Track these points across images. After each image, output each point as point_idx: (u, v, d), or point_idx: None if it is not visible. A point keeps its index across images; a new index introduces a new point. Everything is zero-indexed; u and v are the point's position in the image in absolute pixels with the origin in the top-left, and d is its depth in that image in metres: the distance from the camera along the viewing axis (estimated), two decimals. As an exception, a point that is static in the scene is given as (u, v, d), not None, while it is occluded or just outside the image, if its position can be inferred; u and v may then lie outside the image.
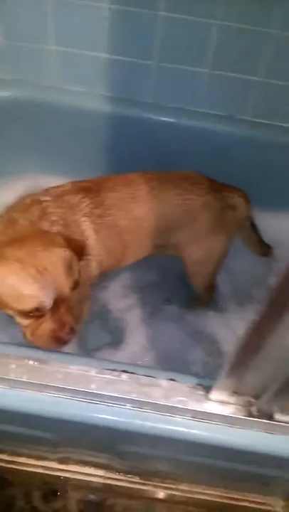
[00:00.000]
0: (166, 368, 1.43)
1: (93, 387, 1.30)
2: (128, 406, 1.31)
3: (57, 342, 1.36)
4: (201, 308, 2.32)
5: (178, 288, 2.41)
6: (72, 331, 1.36)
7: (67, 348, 1.94)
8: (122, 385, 1.32)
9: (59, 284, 1.34)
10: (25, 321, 1.37)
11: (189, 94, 2.27)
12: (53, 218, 1.60)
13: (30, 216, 1.57)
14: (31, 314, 1.34)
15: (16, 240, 1.44)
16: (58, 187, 1.75)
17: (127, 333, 2.26)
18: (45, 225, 1.56)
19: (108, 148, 2.42)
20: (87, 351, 2.12)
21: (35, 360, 1.32)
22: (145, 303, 2.35)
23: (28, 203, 1.63)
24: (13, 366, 1.30)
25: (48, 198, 1.65)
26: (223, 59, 2.13)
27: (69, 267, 1.39)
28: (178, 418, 1.31)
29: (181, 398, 1.31)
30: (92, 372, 1.32)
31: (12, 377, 1.28)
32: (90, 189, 1.73)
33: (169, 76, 2.21)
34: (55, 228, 1.57)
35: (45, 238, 1.45)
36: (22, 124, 2.36)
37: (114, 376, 1.33)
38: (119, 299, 2.35)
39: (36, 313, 1.34)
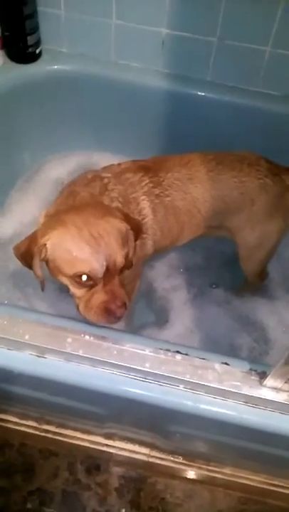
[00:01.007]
0: (211, 350, 1.41)
1: (147, 366, 1.30)
2: (181, 387, 1.30)
3: (108, 315, 1.33)
4: (248, 294, 2.29)
5: (224, 272, 2.39)
6: (124, 305, 1.33)
7: (113, 325, 1.97)
8: (176, 365, 1.32)
9: (112, 252, 1.32)
10: (78, 292, 1.36)
11: (248, 73, 2.22)
12: (113, 195, 1.59)
13: (91, 190, 1.58)
14: (84, 283, 1.33)
15: (75, 208, 1.45)
16: (118, 165, 1.73)
17: (172, 313, 2.25)
18: (105, 200, 1.56)
19: (162, 127, 2.40)
20: (133, 329, 2.13)
21: (91, 335, 1.33)
22: (191, 284, 2.33)
23: (89, 178, 1.63)
24: (69, 340, 1.31)
25: (108, 175, 1.65)
26: (286, 38, 2.06)
27: (124, 240, 1.38)
28: (230, 402, 1.30)
29: (235, 383, 1.30)
30: (147, 351, 1.33)
31: (68, 350, 1.30)
32: (149, 168, 1.71)
33: (229, 54, 2.16)
34: (114, 204, 1.56)
35: (104, 209, 1.44)
36: (79, 98, 2.36)
37: (169, 356, 1.33)
38: (165, 279, 2.34)
39: (88, 282, 1.33)
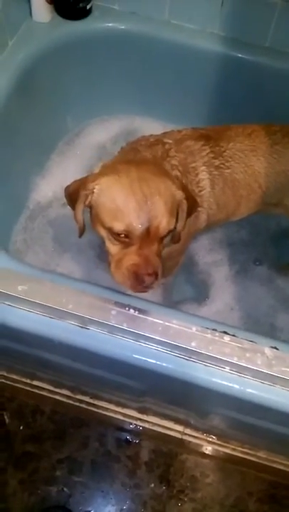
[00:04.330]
0: (251, 330, 1.34)
1: (193, 345, 1.24)
2: (227, 369, 1.25)
3: (135, 280, 1.23)
4: (293, 274, 2.20)
5: (269, 249, 2.29)
6: (154, 275, 1.23)
7: (152, 298, 1.91)
8: (223, 346, 1.25)
9: (159, 215, 1.23)
10: (112, 248, 1.28)
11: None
12: (174, 162, 1.51)
13: (153, 152, 1.50)
14: (120, 238, 1.25)
15: (134, 162, 1.37)
16: (178, 131, 1.65)
17: (213, 289, 2.18)
18: (166, 167, 1.48)
19: (213, 94, 2.27)
20: (171, 303, 2.07)
21: (136, 309, 1.27)
22: (233, 260, 2.25)
23: (152, 141, 1.56)
24: (113, 312, 1.26)
25: (170, 141, 1.56)
26: None
27: (175, 207, 1.30)
28: (279, 388, 1.24)
29: (286, 369, 1.23)
30: (193, 330, 1.26)
31: (112, 323, 1.24)
32: (210, 137, 1.62)
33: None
34: (173, 173, 1.48)
35: (163, 171, 1.37)
36: (127, 59, 2.25)
37: (216, 336, 1.26)
38: (207, 253, 2.26)
39: (125, 239, 1.24)
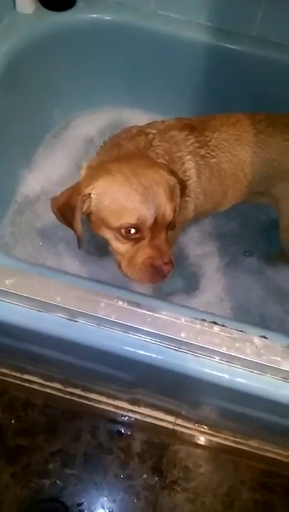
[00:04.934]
0: (241, 320, 1.34)
1: (183, 336, 1.24)
2: (217, 359, 1.25)
3: (154, 272, 1.25)
4: (282, 264, 2.20)
5: (259, 240, 2.30)
6: (171, 263, 1.25)
7: (141, 290, 1.91)
8: (213, 336, 1.25)
9: (162, 203, 1.24)
10: (122, 247, 1.28)
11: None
12: (158, 151, 1.50)
13: (136, 144, 1.49)
14: (130, 235, 1.25)
15: (121, 158, 1.37)
16: (162, 122, 1.64)
17: (203, 280, 2.18)
18: (151, 155, 1.47)
19: (201, 84, 2.26)
20: (162, 295, 2.07)
21: (125, 301, 1.27)
22: (223, 252, 2.25)
23: (134, 132, 1.55)
24: (102, 305, 1.25)
25: (153, 131, 1.55)
26: None
27: (172, 193, 1.30)
28: (269, 377, 1.24)
29: (275, 358, 1.23)
30: (182, 320, 1.26)
31: (101, 315, 1.24)
32: (194, 127, 1.61)
33: (277, 8, 1.98)
34: (159, 161, 1.47)
35: (152, 160, 1.37)
36: (113, 51, 2.23)
37: (205, 327, 1.26)
38: (197, 245, 2.26)
39: (135, 235, 1.25)
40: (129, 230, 1.24)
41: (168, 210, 1.25)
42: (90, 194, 1.26)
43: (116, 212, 1.24)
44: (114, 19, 2.13)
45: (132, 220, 1.22)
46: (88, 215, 1.31)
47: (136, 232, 1.24)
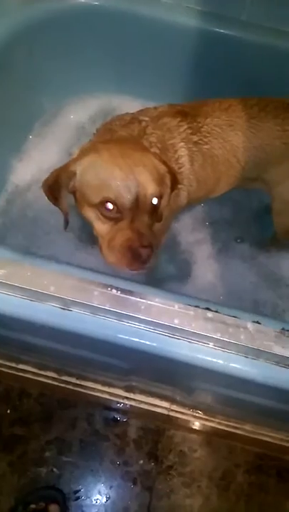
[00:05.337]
0: (234, 306, 1.35)
1: (176, 323, 1.24)
2: (211, 345, 1.25)
3: (132, 256, 1.21)
4: (275, 250, 2.21)
5: (251, 226, 2.30)
6: (150, 247, 1.21)
7: (134, 278, 1.91)
8: (206, 322, 1.25)
9: (145, 183, 1.22)
10: (102, 228, 1.26)
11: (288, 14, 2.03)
12: (152, 139, 1.50)
13: (129, 131, 1.49)
14: (109, 215, 1.23)
15: (113, 141, 1.36)
16: (154, 108, 1.63)
17: (195, 267, 2.18)
18: (144, 144, 1.46)
19: (191, 70, 2.24)
20: (155, 283, 2.07)
21: (118, 289, 1.26)
22: (216, 238, 2.25)
23: (127, 119, 1.54)
24: (96, 293, 1.25)
25: (146, 119, 1.54)
26: None
27: (160, 179, 1.29)
28: (262, 362, 1.25)
29: (268, 342, 1.24)
30: (175, 307, 1.26)
31: (94, 304, 1.23)
32: (186, 113, 1.60)
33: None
34: (152, 150, 1.46)
35: (144, 147, 1.36)
36: (102, 37, 2.21)
37: (199, 313, 1.27)
38: (190, 232, 2.26)
39: (114, 215, 1.23)
40: (109, 208, 1.22)
41: (151, 190, 1.23)
42: (75, 172, 1.26)
43: (97, 187, 1.22)
44: (102, 4, 2.11)
45: (111, 195, 1.20)
46: (74, 194, 1.31)
47: (116, 211, 1.22)
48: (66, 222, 1.37)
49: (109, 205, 1.22)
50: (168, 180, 1.34)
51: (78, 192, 1.28)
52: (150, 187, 1.23)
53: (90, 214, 1.27)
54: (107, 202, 1.21)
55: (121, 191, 1.20)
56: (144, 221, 1.23)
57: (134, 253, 1.20)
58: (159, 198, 1.28)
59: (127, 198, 1.20)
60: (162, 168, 1.31)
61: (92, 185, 1.24)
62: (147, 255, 1.21)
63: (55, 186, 1.29)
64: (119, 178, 1.20)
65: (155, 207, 1.27)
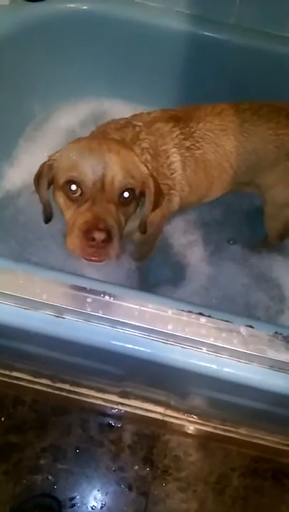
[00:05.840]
0: (227, 309, 1.35)
1: (170, 328, 1.24)
2: (204, 350, 1.25)
3: (86, 238, 1.17)
4: (266, 251, 2.21)
5: (243, 228, 2.31)
6: (106, 231, 1.16)
7: (128, 282, 1.90)
8: (199, 328, 1.25)
9: (115, 169, 1.21)
10: (67, 212, 1.25)
11: (277, 17, 2.05)
12: (144, 145, 1.51)
13: (123, 135, 1.50)
14: (73, 195, 1.22)
15: (102, 138, 1.39)
16: (148, 113, 1.64)
17: (188, 270, 2.19)
18: (136, 150, 1.46)
19: (181, 73, 2.25)
20: (148, 287, 2.07)
21: (111, 295, 1.26)
22: (208, 241, 2.26)
23: (122, 123, 1.55)
24: (89, 300, 1.24)
25: (140, 124, 1.55)
26: None
27: (136, 176, 1.29)
28: (256, 366, 1.25)
29: (261, 346, 1.24)
30: (169, 313, 1.26)
31: (88, 311, 1.23)
32: (179, 118, 1.61)
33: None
34: (144, 157, 1.48)
35: (130, 147, 1.38)
36: (92, 41, 2.22)
37: (192, 318, 1.26)
38: (182, 234, 2.27)
39: (78, 196, 1.22)
40: (72, 189, 1.22)
41: (119, 178, 1.22)
42: (54, 158, 1.28)
43: (66, 168, 1.24)
44: (91, 8, 2.11)
45: (75, 173, 1.20)
46: (54, 184, 1.32)
47: (79, 193, 1.22)
48: (46, 216, 1.38)
49: (73, 186, 1.22)
50: (151, 185, 1.33)
51: (54, 179, 1.30)
52: (119, 173, 1.22)
53: (59, 199, 1.28)
54: (71, 182, 1.22)
55: (84, 169, 1.20)
56: (107, 208, 1.21)
57: (88, 235, 1.17)
58: (132, 193, 1.27)
59: (89, 176, 1.20)
60: (144, 169, 1.32)
61: (63, 167, 1.26)
62: (101, 238, 1.17)
63: (40, 177, 1.32)
64: (87, 158, 1.21)
65: (126, 201, 1.26)
